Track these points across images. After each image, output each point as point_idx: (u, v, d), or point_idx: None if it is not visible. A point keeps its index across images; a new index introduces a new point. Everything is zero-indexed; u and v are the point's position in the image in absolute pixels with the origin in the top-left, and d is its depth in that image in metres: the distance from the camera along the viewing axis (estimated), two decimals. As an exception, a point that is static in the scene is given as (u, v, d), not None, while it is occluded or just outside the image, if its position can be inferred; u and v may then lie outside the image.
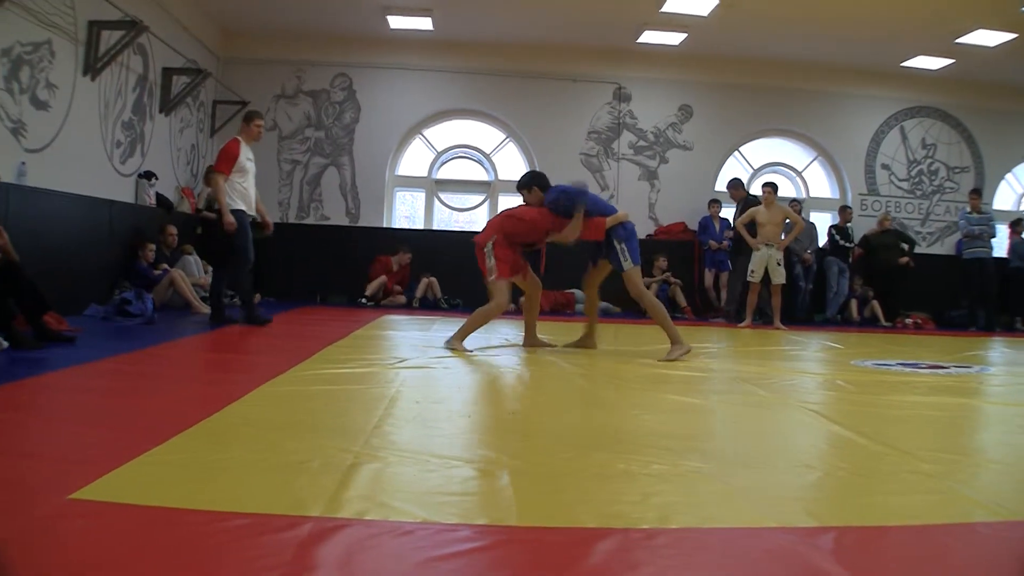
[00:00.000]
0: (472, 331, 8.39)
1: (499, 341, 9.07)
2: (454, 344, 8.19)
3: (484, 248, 8.31)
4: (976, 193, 16.00)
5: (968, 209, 15.85)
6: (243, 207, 9.76)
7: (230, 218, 9.53)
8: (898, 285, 16.23)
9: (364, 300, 14.79)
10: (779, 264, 13.59)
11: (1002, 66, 15.67)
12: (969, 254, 15.60)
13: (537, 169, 9.05)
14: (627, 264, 8.50)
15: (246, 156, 9.80)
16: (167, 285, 11.20)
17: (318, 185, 16.34)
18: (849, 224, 16.45)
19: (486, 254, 8.29)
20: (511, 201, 16.27)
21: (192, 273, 11.89)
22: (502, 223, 8.47)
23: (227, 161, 9.64)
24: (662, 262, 15.82)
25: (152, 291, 10.71)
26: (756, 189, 15.47)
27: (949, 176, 17.86)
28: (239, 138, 9.87)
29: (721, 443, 4.58)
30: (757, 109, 17.12)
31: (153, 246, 11.43)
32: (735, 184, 14.48)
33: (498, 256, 8.23)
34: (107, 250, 10.88)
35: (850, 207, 16.84)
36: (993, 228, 15.69)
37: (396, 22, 15.01)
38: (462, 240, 15.22)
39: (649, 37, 15.34)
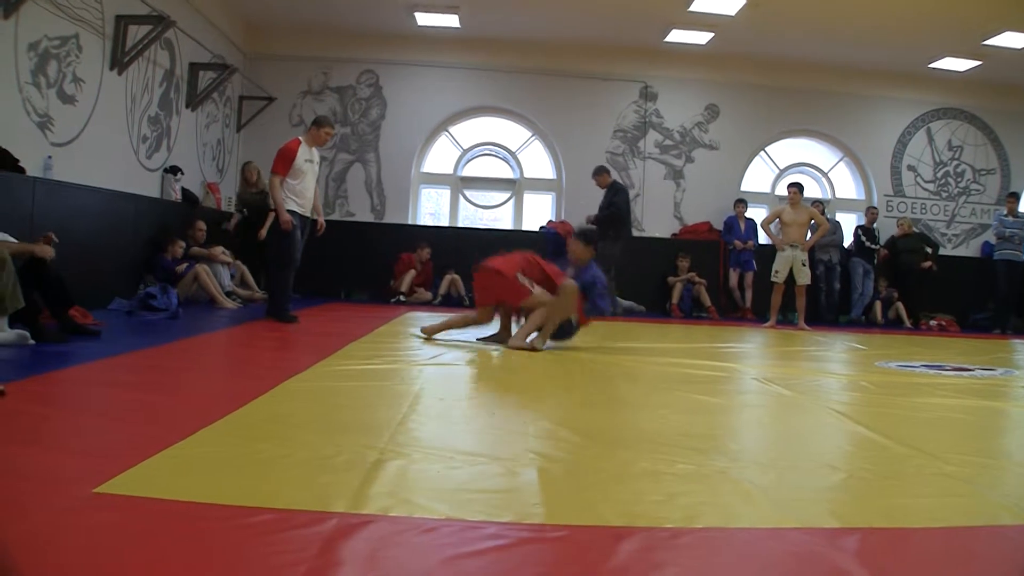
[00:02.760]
0: (550, 330, 8.39)
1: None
2: (537, 345, 8.25)
3: (515, 276, 8.38)
4: (1013, 197, 15.93)
5: (1004, 212, 15.78)
6: (296, 208, 9.78)
7: (286, 216, 9.58)
8: (922, 287, 16.17)
9: (402, 297, 14.82)
10: (804, 265, 13.55)
11: (1030, 69, 15.60)
12: (1000, 255, 15.52)
13: (589, 224, 9.13)
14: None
15: (304, 158, 9.80)
16: (191, 280, 11.23)
17: (344, 181, 16.36)
18: (875, 225, 16.42)
19: (518, 280, 8.35)
20: (536, 199, 16.26)
21: (219, 274, 11.89)
22: (521, 263, 8.54)
23: (283, 162, 9.67)
24: (685, 262, 15.82)
25: (177, 286, 10.74)
26: (783, 190, 15.44)
27: (975, 178, 17.78)
28: (300, 139, 9.92)
29: (745, 443, 4.59)
30: (783, 109, 17.07)
31: (183, 244, 11.46)
32: (599, 171, 14.30)
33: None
34: (132, 244, 10.92)
35: (876, 207, 16.79)
36: (1028, 232, 15.65)
37: (423, 19, 15.02)
38: (487, 238, 15.33)
39: (676, 36, 15.32)
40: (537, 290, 8.35)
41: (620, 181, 14.33)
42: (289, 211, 9.65)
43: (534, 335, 8.33)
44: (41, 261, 6.83)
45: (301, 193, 9.83)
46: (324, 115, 10.54)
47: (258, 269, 13.28)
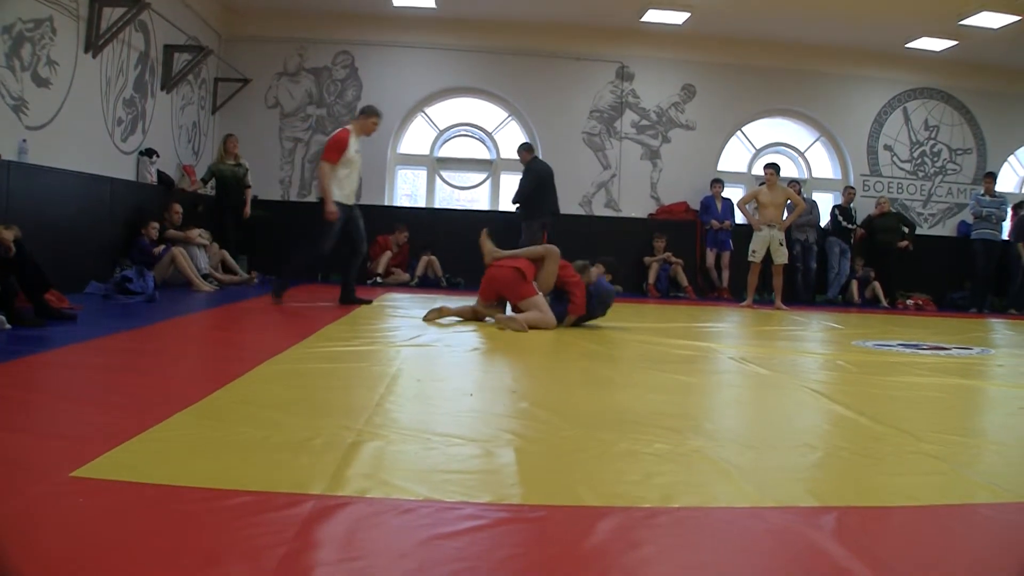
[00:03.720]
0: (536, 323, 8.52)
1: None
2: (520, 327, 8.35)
3: (531, 279, 8.66)
4: (990, 176, 15.96)
5: (982, 191, 15.84)
6: (341, 199, 9.88)
7: (332, 208, 9.71)
8: (899, 267, 16.25)
9: (378, 279, 14.80)
10: (781, 245, 13.59)
11: (1006, 48, 15.65)
12: (977, 235, 15.59)
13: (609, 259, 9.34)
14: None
15: (354, 148, 9.97)
16: (168, 263, 11.18)
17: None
18: (852, 204, 16.48)
19: (531, 283, 8.63)
20: (513, 180, 16.21)
21: (196, 256, 11.84)
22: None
23: (336, 151, 9.82)
24: (662, 242, 15.86)
25: (153, 269, 10.70)
26: (759, 169, 15.48)
27: (951, 158, 17.87)
28: (350, 129, 10.07)
29: (723, 423, 4.60)
30: (760, 89, 17.10)
31: (156, 224, 11.42)
32: (520, 149, 14.35)
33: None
34: (108, 228, 10.87)
35: (853, 187, 16.84)
36: (1004, 211, 15.70)
37: None
38: (463, 218, 15.33)
39: (653, 16, 15.28)
40: (539, 298, 8.53)
41: (541, 159, 14.22)
42: (335, 202, 9.77)
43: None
44: (16, 245, 6.79)
45: (347, 184, 9.99)
46: (371, 104, 10.59)
47: (235, 250, 13.29)
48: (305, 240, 10.32)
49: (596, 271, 9.09)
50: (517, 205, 14.05)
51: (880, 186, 17.54)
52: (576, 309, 8.65)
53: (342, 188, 9.91)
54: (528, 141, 14.44)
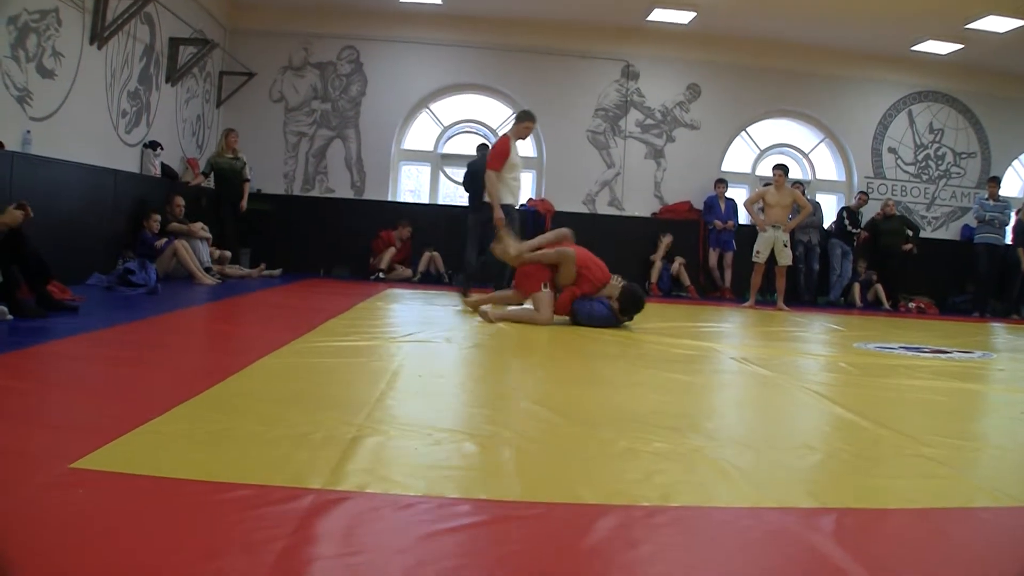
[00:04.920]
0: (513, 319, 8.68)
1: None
2: (489, 315, 8.58)
3: (544, 280, 8.85)
4: (994, 181, 15.96)
5: (985, 195, 15.83)
6: (511, 201, 10.42)
7: (499, 214, 10.07)
8: (901, 270, 16.24)
9: (381, 275, 14.81)
10: (785, 246, 13.58)
11: (1011, 52, 15.62)
12: (980, 239, 15.57)
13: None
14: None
15: (516, 153, 10.46)
16: (170, 255, 11.19)
17: (323, 157, 16.31)
18: (861, 208, 16.49)
19: (540, 283, 8.83)
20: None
21: (198, 249, 11.84)
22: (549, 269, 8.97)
23: (499, 159, 10.28)
24: (667, 240, 15.84)
25: (155, 261, 10.70)
26: (763, 170, 15.46)
27: (956, 161, 17.84)
28: (509, 135, 10.53)
29: (723, 422, 4.59)
30: (765, 90, 17.08)
31: (158, 217, 11.42)
32: (478, 147, 14.40)
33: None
34: (111, 220, 10.89)
35: (866, 193, 16.85)
36: (1007, 216, 15.68)
37: (405, -5, 14.96)
38: (467, 215, 15.27)
39: (659, 15, 15.27)
40: (544, 295, 8.73)
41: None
42: (506, 205, 10.30)
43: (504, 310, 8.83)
44: (18, 234, 6.79)
45: (516, 187, 10.56)
46: (526, 110, 10.85)
47: (234, 244, 13.33)
48: (474, 241, 11.11)
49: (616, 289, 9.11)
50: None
51: (884, 189, 17.53)
52: (560, 306, 8.76)
53: (512, 192, 10.44)
54: (485, 143, 14.44)
